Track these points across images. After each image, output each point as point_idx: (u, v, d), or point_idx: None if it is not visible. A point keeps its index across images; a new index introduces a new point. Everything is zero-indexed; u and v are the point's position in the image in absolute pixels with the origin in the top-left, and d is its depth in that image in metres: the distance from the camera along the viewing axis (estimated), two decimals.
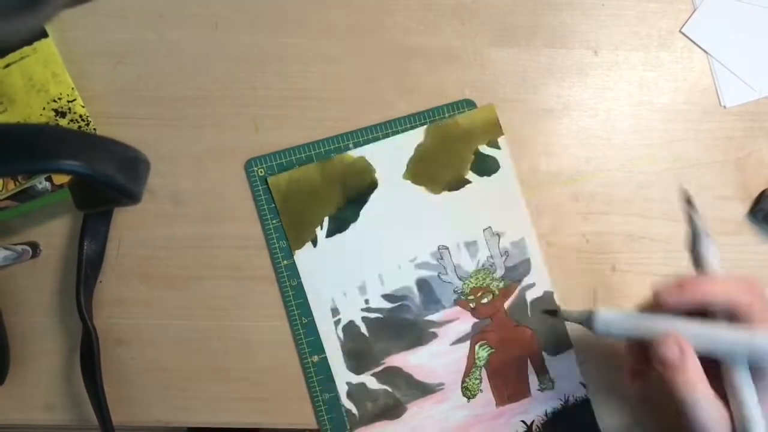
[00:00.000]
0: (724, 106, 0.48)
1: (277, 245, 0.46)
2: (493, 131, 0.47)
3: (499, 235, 0.47)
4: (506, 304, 0.47)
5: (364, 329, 0.46)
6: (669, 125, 0.48)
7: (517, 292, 0.47)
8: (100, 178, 0.26)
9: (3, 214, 0.45)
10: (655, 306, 0.36)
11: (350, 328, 0.46)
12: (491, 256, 0.47)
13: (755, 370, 0.35)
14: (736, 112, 0.48)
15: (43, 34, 0.44)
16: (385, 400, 0.46)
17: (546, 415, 0.46)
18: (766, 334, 0.34)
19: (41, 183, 0.44)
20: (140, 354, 0.46)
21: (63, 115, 0.45)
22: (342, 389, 0.46)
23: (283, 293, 0.46)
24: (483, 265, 0.47)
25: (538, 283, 0.47)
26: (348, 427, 0.46)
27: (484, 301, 0.47)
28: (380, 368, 0.46)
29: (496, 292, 0.47)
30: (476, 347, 0.46)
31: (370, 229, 0.46)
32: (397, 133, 0.47)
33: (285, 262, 0.46)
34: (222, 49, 0.47)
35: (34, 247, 0.46)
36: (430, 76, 0.48)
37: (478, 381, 0.46)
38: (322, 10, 0.47)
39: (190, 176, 0.47)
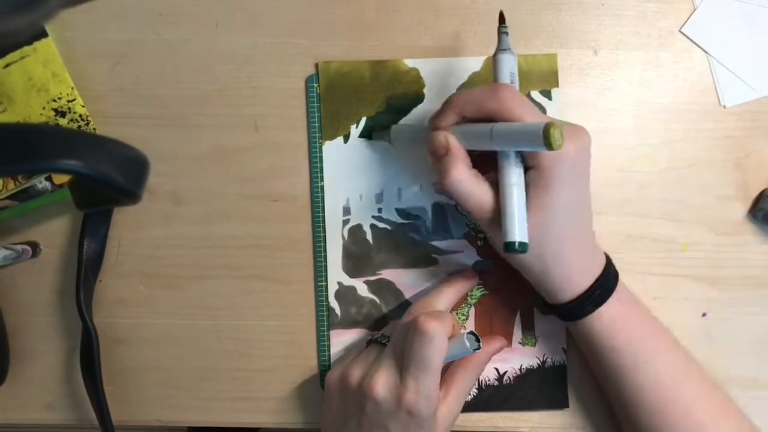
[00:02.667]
0: (724, 106, 0.48)
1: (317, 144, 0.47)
2: (549, 80, 0.47)
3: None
4: None
5: (369, 236, 0.46)
6: (669, 125, 0.48)
7: None
8: (100, 178, 0.26)
9: (3, 214, 0.45)
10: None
11: (357, 231, 0.46)
12: None
13: (533, 171, 0.39)
14: (736, 112, 0.48)
15: (43, 34, 0.44)
16: (369, 310, 0.46)
17: (520, 369, 0.46)
18: (503, 125, 0.38)
19: (41, 183, 0.44)
20: (140, 354, 0.47)
21: (63, 114, 0.45)
22: (332, 288, 0.46)
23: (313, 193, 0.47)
24: None
25: None
26: (326, 324, 0.46)
27: None
28: (374, 278, 0.46)
29: None
30: None
31: None
32: (458, 56, 0.47)
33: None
34: (222, 49, 0.47)
35: (34, 246, 0.46)
36: None
37: (464, 317, 0.47)
38: (322, 10, 0.47)
39: (190, 176, 0.47)
